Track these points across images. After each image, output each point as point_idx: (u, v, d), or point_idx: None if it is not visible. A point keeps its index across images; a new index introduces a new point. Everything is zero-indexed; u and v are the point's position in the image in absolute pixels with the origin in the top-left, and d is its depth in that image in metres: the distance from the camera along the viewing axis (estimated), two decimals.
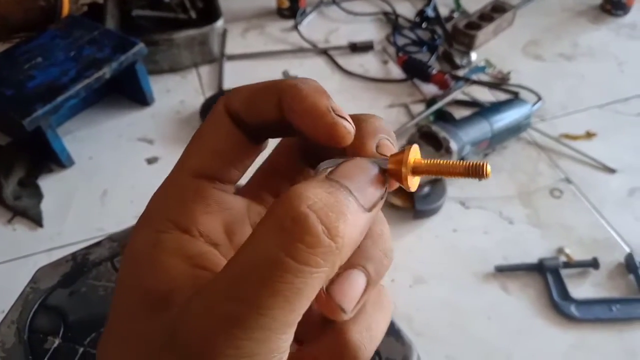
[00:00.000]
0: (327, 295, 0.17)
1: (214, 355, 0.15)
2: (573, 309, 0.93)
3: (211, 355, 0.15)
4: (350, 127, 0.19)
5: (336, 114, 0.19)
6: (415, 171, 0.19)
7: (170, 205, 0.20)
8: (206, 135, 0.21)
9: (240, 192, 0.23)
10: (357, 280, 0.18)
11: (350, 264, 0.18)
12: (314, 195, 0.16)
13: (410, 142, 1.05)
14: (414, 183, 0.19)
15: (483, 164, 0.18)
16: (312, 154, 0.24)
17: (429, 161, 0.19)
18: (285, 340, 0.15)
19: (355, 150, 0.20)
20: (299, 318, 0.16)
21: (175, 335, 0.16)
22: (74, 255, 0.63)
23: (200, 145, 0.21)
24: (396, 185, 0.19)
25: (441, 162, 0.19)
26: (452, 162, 0.19)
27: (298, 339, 0.18)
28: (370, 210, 0.17)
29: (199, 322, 0.15)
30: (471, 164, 0.18)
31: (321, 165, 0.20)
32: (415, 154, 0.19)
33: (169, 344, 0.16)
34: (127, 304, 0.18)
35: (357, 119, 0.20)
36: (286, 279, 0.15)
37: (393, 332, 0.56)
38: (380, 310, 0.20)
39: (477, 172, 0.18)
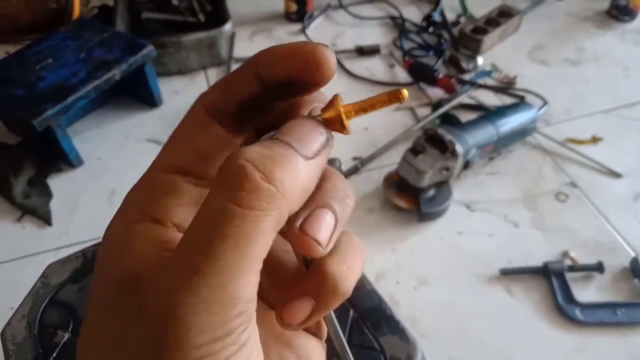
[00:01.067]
0: (300, 232, 0.18)
1: (175, 305, 0.15)
2: (577, 313, 0.93)
3: (172, 305, 0.15)
4: (328, 52, 0.20)
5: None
6: (348, 115, 0.20)
7: (143, 198, 0.20)
8: (181, 132, 0.21)
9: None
10: (325, 217, 0.19)
11: (316, 205, 0.19)
12: (252, 150, 0.17)
13: (416, 143, 1.06)
14: (348, 126, 0.20)
15: (399, 89, 0.20)
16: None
17: (355, 103, 0.21)
18: (244, 287, 0.16)
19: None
20: (255, 265, 0.16)
21: (142, 303, 0.17)
22: (83, 252, 0.64)
23: (174, 140, 0.21)
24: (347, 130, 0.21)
25: (365, 99, 0.21)
26: (374, 97, 0.21)
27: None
28: (313, 157, 0.18)
29: (161, 281, 0.16)
30: (390, 92, 0.20)
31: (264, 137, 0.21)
32: (340, 100, 0.21)
33: (137, 313, 0.17)
34: (101, 289, 0.19)
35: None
36: (234, 223, 0.16)
37: (397, 330, 0.56)
38: (354, 248, 0.21)
39: (396, 97, 0.20)
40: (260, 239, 0.16)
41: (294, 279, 0.21)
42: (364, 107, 0.21)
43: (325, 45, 0.20)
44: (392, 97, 0.20)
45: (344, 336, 0.23)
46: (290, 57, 0.20)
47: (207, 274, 0.15)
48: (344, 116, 0.20)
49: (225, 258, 0.16)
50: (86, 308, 0.19)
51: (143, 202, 0.20)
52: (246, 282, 0.16)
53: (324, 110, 0.21)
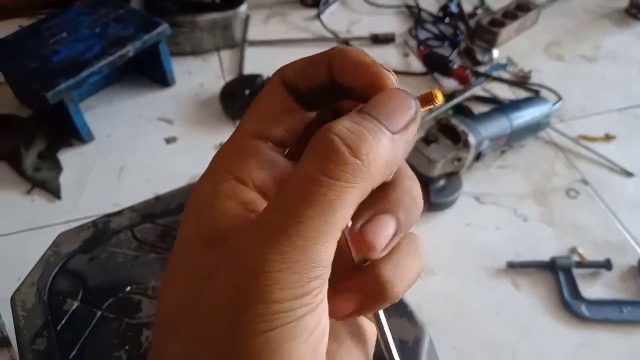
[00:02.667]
0: (360, 233, 0.20)
1: (262, 261, 0.17)
2: (583, 309, 0.93)
3: (259, 260, 0.17)
4: (392, 76, 0.21)
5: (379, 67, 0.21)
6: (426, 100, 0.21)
7: (230, 159, 0.22)
8: (262, 101, 0.23)
9: (289, 155, 0.25)
10: (387, 223, 0.20)
11: (381, 210, 0.20)
12: (342, 124, 0.18)
13: (429, 132, 1.05)
14: (440, 97, 0.21)
15: (432, 90, 0.21)
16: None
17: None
18: (324, 252, 0.17)
19: None
20: (335, 233, 0.18)
21: (233, 256, 0.18)
22: (94, 222, 0.64)
23: (257, 110, 0.23)
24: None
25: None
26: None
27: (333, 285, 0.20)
28: (399, 132, 0.19)
29: (249, 235, 0.18)
30: (423, 94, 0.21)
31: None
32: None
33: (222, 264, 0.18)
34: (187, 241, 0.20)
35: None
36: (321, 191, 0.17)
37: (406, 313, 0.56)
38: (412, 256, 0.22)
39: (429, 100, 0.21)
40: (342, 208, 0.18)
41: (352, 269, 0.22)
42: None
43: (388, 70, 0.21)
44: (425, 99, 0.21)
45: (388, 331, 0.23)
46: (360, 72, 0.21)
47: (293, 235, 0.17)
48: (437, 96, 0.21)
49: (311, 222, 0.17)
50: (169, 259, 0.20)
51: (229, 163, 0.21)
52: (326, 248, 0.17)
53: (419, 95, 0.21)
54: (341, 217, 0.18)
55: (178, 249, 0.20)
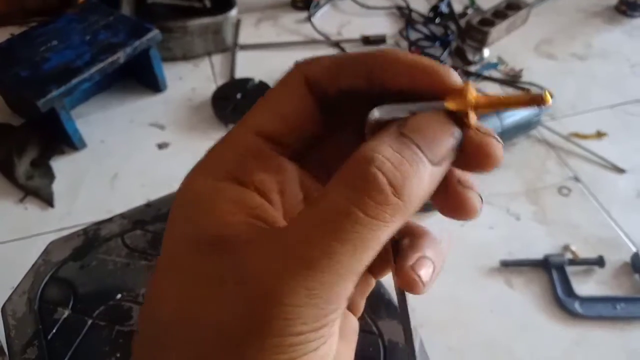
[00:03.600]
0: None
1: (286, 292, 0.16)
2: (577, 306, 0.93)
3: (283, 290, 0.16)
4: (454, 73, 0.19)
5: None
6: (478, 108, 0.18)
7: (230, 157, 0.20)
8: (277, 96, 0.20)
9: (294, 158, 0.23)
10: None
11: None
12: (384, 155, 0.17)
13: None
14: (474, 122, 0.19)
15: (542, 94, 0.18)
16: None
17: (489, 96, 0.19)
18: (348, 290, 0.17)
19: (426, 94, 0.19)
20: (362, 270, 0.17)
21: (245, 272, 0.16)
22: (85, 230, 0.64)
23: (269, 105, 0.20)
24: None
25: (501, 96, 0.19)
26: (513, 95, 0.19)
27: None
28: (438, 163, 0.18)
29: (272, 261, 0.16)
30: (531, 95, 0.18)
31: (376, 114, 0.19)
32: (472, 90, 0.19)
33: (237, 279, 0.16)
34: (180, 242, 0.19)
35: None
36: (356, 228, 0.16)
37: (396, 315, 0.56)
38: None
39: (537, 101, 0.18)
40: (376, 246, 0.17)
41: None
42: (496, 104, 0.19)
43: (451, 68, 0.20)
44: (533, 100, 0.18)
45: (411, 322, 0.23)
46: (414, 69, 0.19)
47: (320, 271, 0.16)
48: (471, 112, 0.18)
49: (342, 259, 0.16)
50: (157, 261, 0.19)
51: (229, 161, 0.19)
52: (352, 284, 0.17)
53: (450, 98, 0.19)
54: (373, 255, 0.17)
55: (169, 251, 0.19)
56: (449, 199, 0.20)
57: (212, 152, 0.20)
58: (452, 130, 0.18)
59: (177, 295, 0.17)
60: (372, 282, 0.24)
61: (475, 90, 0.18)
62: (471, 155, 0.19)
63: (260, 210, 0.19)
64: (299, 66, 0.21)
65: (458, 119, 0.18)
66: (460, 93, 0.18)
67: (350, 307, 0.23)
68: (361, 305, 0.24)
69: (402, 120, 0.18)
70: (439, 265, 0.21)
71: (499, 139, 0.19)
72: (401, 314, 0.23)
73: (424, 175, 0.17)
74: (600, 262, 0.98)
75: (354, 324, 0.24)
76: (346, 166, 0.17)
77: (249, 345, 0.16)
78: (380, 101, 0.19)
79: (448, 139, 0.18)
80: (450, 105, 0.18)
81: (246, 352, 0.16)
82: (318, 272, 0.16)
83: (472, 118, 0.18)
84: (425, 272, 0.20)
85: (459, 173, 0.20)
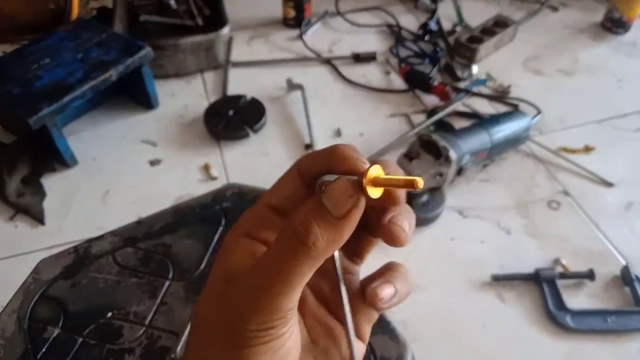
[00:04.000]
0: (389, 223, 0.26)
1: (249, 306, 0.24)
2: (568, 319, 0.93)
3: (247, 305, 0.24)
4: (365, 164, 0.26)
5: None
6: (375, 183, 0.24)
7: (250, 221, 0.29)
8: (281, 183, 0.29)
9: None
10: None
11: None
12: (297, 218, 0.24)
13: (410, 149, 1.07)
14: (374, 192, 0.24)
15: (415, 180, 0.23)
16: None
17: (386, 177, 0.24)
18: (285, 303, 0.24)
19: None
20: (293, 292, 0.24)
21: (232, 291, 0.25)
22: (76, 248, 0.64)
23: (276, 188, 0.29)
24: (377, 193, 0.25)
25: (392, 177, 0.24)
26: (394, 179, 0.24)
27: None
28: (344, 216, 0.24)
29: (243, 283, 0.25)
30: (407, 179, 0.24)
31: (321, 179, 0.27)
32: (377, 170, 0.24)
33: (227, 296, 0.25)
34: (217, 276, 0.27)
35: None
36: (283, 266, 0.24)
37: (388, 330, 0.57)
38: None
39: (411, 185, 0.23)
40: (297, 275, 0.24)
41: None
42: (383, 184, 0.24)
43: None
44: (408, 183, 0.24)
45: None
46: (341, 161, 0.26)
47: (267, 292, 0.24)
48: (368, 183, 0.24)
49: (276, 284, 0.24)
50: (207, 284, 0.27)
51: (247, 224, 0.28)
52: (287, 299, 0.24)
53: (361, 175, 0.24)
54: (296, 281, 0.24)
55: (211, 280, 0.27)
56: (381, 232, 0.26)
57: (241, 218, 0.29)
58: (351, 191, 0.24)
59: (207, 307, 0.27)
60: (375, 315, 0.30)
61: (380, 172, 0.24)
62: (384, 237, 0.26)
63: (259, 253, 0.27)
64: (298, 160, 0.29)
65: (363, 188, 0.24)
66: (365, 173, 0.24)
67: (358, 334, 0.29)
68: (367, 332, 0.30)
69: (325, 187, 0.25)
70: (403, 294, 0.30)
71: (406, 228, 0.26)
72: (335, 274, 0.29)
73: (330, 226, 0.24)
74: (590, 275, 0.98)
75: (361, 349, 0.30)
76: (283, 224, 0.25)
77: (232, 337, 0.25)
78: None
79: (347, 200, 0.24)
80: (353, 179, 0.24)
81: (232, 341, 0.25)
82: (264, 293, 0.24)
83: (371, 191, 0.24)
84: (385, 294, 0.29)
85: (391, 214, 0.27)
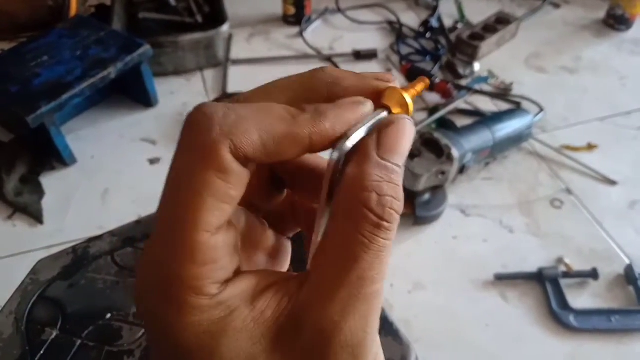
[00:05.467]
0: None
1: (367, 330, 0.20)
2: (572, 319, 0.92)
3: (367, 329, 0.19)
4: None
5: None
6: (412, 99, 0.22)
7: (207, 268, 0.19)
8: (216, 186, 0.18)
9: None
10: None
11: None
12: (387, 194, 0.19)
13: (412, 147, 1.06)
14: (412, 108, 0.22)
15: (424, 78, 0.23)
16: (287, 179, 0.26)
17: (408, 90, 0.22)
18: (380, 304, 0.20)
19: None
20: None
21: (326, 335, 0.19)
22: (74, 248, 0.63)
23: (212, 198, 0.18)
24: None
25: (413, 84, 0.23)
26: (415, 83, 0.23)
27: None
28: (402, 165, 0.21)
29: (351, 312, 0.19)
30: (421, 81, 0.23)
31: (334, 153, 0.20)
32: (401, 90, 0.22)
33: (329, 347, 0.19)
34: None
35: (330, 83, 0.22)
36: (387, 251, 0.20)
37: (391, 332, 0.56)
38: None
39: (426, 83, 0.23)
40: (385, 265, 0.20)
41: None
42: (414, 92, 0.23)
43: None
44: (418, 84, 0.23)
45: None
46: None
47: (360, 302, 0.19)
48: (411, 108, 0.22)
49: (374, 284, 0.19)
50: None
51: (214, 272, 0.19)
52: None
53: (388, 102, 0.22)
54: (385, 270, 0.20)
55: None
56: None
57: (181, 269, 0.19)
58: (411, 135, 0.21)
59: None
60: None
61: (398, 86, 0.22)
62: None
63: (272, 281, 0.21)
64: (215, 140, 0.19)
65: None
66: (392, 94, 0.21)
67: (281, 228, 0.26)
68: (290, 227, 0.26)
69: (374, 142, 0.20)
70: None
71: None
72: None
73: (401, 188, 0.20)
74: (594, 274, 0.97)
75: (286, 245, 0.26)
76: (360, 211, 0.19)
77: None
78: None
79: (410, 144, 0.21)
80: (397, 110, 0.21)
81: None
82: (379, 298, 0.20)
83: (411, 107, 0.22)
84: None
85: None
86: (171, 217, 0.19)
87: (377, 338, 0.20)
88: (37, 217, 1.09)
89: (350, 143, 0.20)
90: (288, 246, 0.27)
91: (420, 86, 0.23)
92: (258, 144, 0.19)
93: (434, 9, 1.64)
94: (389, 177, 0.19)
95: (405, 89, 0.22)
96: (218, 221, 0.19)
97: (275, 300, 0.20)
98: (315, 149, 0.20)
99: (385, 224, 0.19)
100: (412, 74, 1.41)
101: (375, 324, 0.20)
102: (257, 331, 0.19)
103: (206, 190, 0.18)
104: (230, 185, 0.19)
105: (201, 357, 0.19)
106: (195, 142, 0.19)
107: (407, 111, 0.21)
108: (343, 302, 0.19)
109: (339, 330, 0.19)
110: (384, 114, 0.21)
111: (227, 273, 0.20)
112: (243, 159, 0.19)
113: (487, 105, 1.36)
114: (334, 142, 0.20)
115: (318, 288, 0.19)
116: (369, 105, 0.21)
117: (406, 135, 0.20)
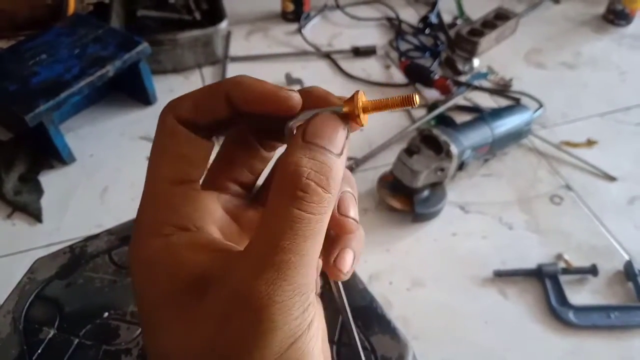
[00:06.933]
0: (334, 266, 0.25)
1: (262, 294, 0.19)
2: (571, 315, 0.92)
3: (270, 294, 0.20)
4: (298, 96, 0.24)
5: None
6: (365, 110, 0.23)
7: (167, 213, 0.24)
8: (168, 145, 0.24)
9: (205, 186, 0.27)
10: (350, 256, 0.25)
11: (344, 245, 0.25)
12: (305, 166, 0.21)
13: (411, 143, 1.05)
14: (365, 119, 0.23)
15: (412, 94, 0.22)
16: (262, 134, 0.28)
17: (373, 100, 0.23)
18: (314, 273, 0.21)
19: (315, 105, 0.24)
20: (315, 260, 0.21)
21: (239, 296, 0.20)
22: (71, 247, 0.63)
23: (166, 155, 0.24)
24: (356, 126, 0.23)
25: (382, 99, 0.23)
26: (390, 98, 0.23)
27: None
28: (342, 153, 0.22)
29: (258, 276, 0.20)
30: (404, 95, 0.23)
31: (291, 123, 0.24)
32: (362, 96, 0.23)
33: (238, 305, 0.20)
34: (162, 301, 0.22)
35: (304, 91, 0.25)
36: (311, 227, 0.21)
37: (389, 330, 0.56)
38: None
39: (408, 102, 0.23)
40: (323, 231, 0.21)
41: None
42: (379, 106, 0.23)
43: (294, 91, 0.24)
44: (405, 101, 0.23)
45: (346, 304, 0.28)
46: (269, 101, 0.23)
47: (293, 268, 0.20)
48: (361, 111, 0.23)
49: (306, 252, 0.20)
50: (143, 325, 0.23)
51: (169, 216, 0.23)
52: (313, 271, 0.21)
53: (345, 103, 0.23)
54: (320, 243, 0.21)
55: (153, 314, 0.22)
56: (327, 270, 0.25)
57: (143, 213, 0.24)
58: (341, 125, 0.23)
59: (185, 342, 0.21)
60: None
61: (364, 96, 0.23)
62: (329, 274, 0.25)
63: (213, 244, 0.23)
64: (166, 110, 0.25)
65: (347, 118, 0.23)
66: (352, 99, 0.23)
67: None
68: (317, 282, 0.28)
69: (301, 129, 0.22)
70: (359, 252, 0.26)
71: (348, 265, 0.25)
72: (338, 299, 0.28)
73: (335, 164, 0.22)
74: (593, 270, 0.97)
75: (319, 307, 0.27)
76: (278, 181, 0.21)
77: (260, 350, 0.20)
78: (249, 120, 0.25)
79: (342, 133, 0.22)
80: (346, 109, 0.23)
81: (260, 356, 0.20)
82: (292, 269, 0.20)
83: (364, 119, 0.23)
84: (346, 263, 0.25)
85: (338, 252, 0.25)
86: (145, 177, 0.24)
87: (296, 314, 0.20)
88: (36, 215, 1.09)
89: (294, 123, 0.23)
90: None
91: (387, 104, 0.24)
92: (190, 106, 0.24)
93: (433, 5, 1.63)
94: (312, 155, 0.21)
95: (375, 101, 0.23)
96: (174, 174, 0.24)
97: (209, 259, 0.22)
98: (237, 106, 0.24)
99: (299, 193, 0.20)
100: (411, 71, 1.40)
101: (287, 296, 0.20)
102: (179, 273, 0.22)
103: (160, 150, 0.24)
104: (182, 145, 0.24)
105: (138, 279, 0.23)
106: (158, 120, 0.25)
107: (352, 110, 0.23)
108: (252, 266, 0.20)
109: (247, 291, 0.20)
110: (330, 108, 0.23)
111: (189, 222, 0.23)
112: (185, 122, 0.24)
113: (486, 101, 1.36)
114: (251, 102, 0.23)
115: (241, 253, 0.21)
116: (295, 97, 0.23)
117: (328, 124, 0.22)
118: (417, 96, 0.23)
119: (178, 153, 0.24)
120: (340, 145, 0.22)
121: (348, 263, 0.25)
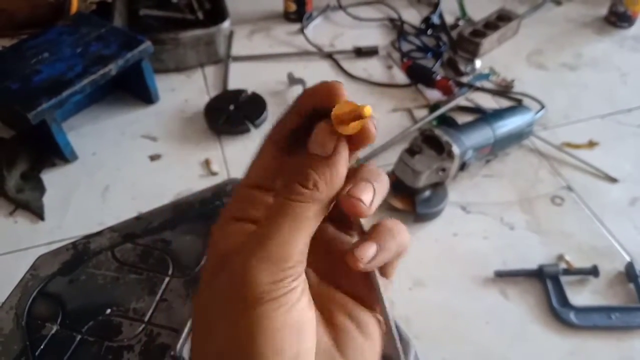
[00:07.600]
0: (348, 196, 0.25)
1: (250, 262, 0.23)
2: (572, 316, 0.92)
3: (247, 262, 0.23)
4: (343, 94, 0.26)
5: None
6: (338, 119, 0.25)
7: (234, 206, 0.28)
8: (258, 158, 0.28)
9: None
10: (366, 185, 0.26)
11: (357, 179, 0.26)
12: (297, 171, 0.25)
13: (413, 144, 1.05)
14: (347, 129, 0.25)
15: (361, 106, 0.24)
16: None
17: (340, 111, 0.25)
18: (292, 251, 0.23)
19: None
20: (304, 238, 0.24)
21: (229, 268, 0.24)
22: (74, 244, 0.63)
23: (255, 165, 0.28)
24: (352, 129, 0.25)
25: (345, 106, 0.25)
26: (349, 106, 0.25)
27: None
28: (333, 153, 0.25)
29: (240, 245, 0.24)
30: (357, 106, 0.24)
31: None
32: (342, 106, 0.25)
33: (225, 269, 0.25)
34: (209, 263, 0.27)
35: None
36: (290, 208, 0.24)
37: (390, 329, 0.56)
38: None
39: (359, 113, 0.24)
40: (306, 220, 0.24)
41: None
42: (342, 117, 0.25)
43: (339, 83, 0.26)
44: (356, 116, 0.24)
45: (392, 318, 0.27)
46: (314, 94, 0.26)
47: (273, 238, 0.23)
48: (337, 123, 0.25)
49: (284, 229, 0.24)
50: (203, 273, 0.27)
51: (233, 209, 0.28)
52: (296, 247, 0.24)
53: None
54: (303, 225, 0.24)
55: (206, 269, 0.27)
56: (342, 204, 0.25)
57: (224, 208, 0.29)
58: (332, 132, 0.25)
59: (206, 296, 0.26)
60: (389, 285, 0.29)
61: (344, 108, 0.24)
62: (345, 209, 0.25)
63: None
64: (267, 133, 0.28)
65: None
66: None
67: (368, 304, 0.28)
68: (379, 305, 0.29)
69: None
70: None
71: (365, 199, 0.25)
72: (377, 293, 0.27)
73: (323, 166, 0.25)
74: (594, 271, 0.97)
75: (370, 319, 0.28)
76: (283, 181, 0.25)
77: (244, 301, 0.23)
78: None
79: (332, 137, 0.25)
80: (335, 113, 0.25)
81: (242, 309, 0.23)
82: (271, 239, 0.23)
83: (342, 128, 0.25)
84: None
85: (350, 186, 0.26)
86: None
87: (269, 280, 0.23)
88: (38, 213, 1.10)
89: None
90: None
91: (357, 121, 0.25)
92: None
93: (435, 6, 1.63)
94: (309, 163, 0.25)
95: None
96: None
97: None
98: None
99: (299, 192, 0.24)
100: (413, 71, 1.40)
101: (261, 261, 0.23)
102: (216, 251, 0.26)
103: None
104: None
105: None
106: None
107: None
108: (245, 251, 0.24)
109: (243, 271, 0.23)
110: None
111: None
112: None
113: (488, 102, 1.36)
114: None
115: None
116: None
117: (315, 134, 0.25)
118: (368, 108, 0.24)
119: (257, 165, 0.29)
120: (328, 146, 0.25)
121: (364, 191, 0.25)
